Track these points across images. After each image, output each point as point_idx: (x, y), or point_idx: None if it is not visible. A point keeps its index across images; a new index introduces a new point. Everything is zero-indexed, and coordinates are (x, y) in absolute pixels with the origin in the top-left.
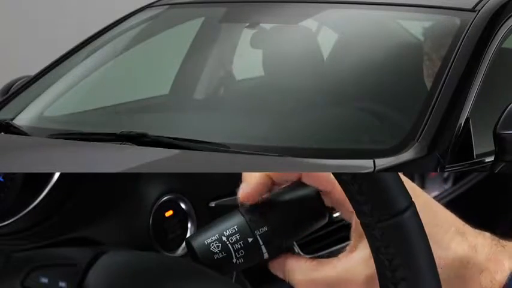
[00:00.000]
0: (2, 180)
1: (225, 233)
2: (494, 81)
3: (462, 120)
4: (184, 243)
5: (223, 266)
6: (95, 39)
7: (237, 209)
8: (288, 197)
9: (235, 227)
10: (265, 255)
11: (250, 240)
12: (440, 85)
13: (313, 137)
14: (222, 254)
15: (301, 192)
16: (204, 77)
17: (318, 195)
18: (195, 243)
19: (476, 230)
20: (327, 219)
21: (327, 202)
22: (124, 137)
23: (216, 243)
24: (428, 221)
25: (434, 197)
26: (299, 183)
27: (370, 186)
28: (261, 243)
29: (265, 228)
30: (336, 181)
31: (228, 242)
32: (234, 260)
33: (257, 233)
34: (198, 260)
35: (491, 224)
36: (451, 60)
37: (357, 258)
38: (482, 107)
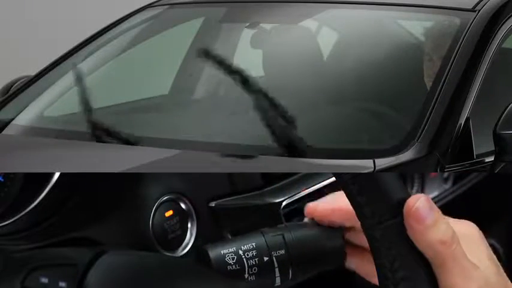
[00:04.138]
0: (2, 180)
1: (242, 247)
2: (494, 81)
3: (462, 120)
4: (184, 243)
5: (235, 279)
6: (95, 39)
7: (259, 230)
8: (313, 230)
9: (253, 243)
10: (277, 280)
11: (265, 259)
12: (440, 85)
13: (313, 137)
14: (236, 266)
15: (325, 228)
16: (204, 77)
17: (342, 236)
18: (211, 252)
19: None
20: (345, 262)
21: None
22: None
23: (231, 255)
24: None
25: (434, 197)
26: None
27: (370, 186)
28: (276, 265)
29: (282, 251)
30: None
31: (243, 256)
32: (246, 276)
33: (274, 254)
34: (211, 268)
35: (491, 224)
36: (451, 60)
37: None
38: (482, 107)
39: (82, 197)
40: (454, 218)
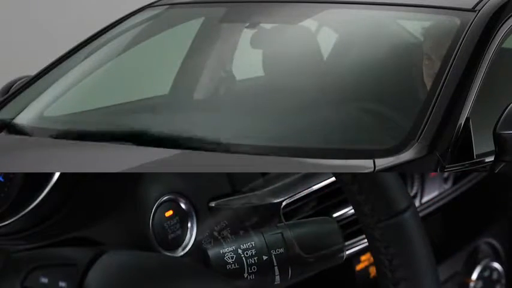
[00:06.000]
0: (2, 180)
1: (241, 246)
2: (494, 81)
3: (462, 120)
4: (184, 243)
5: (234, 278)
6: (95, 39)
7: (259, 230)
8: (311, 228)
9: (252, 242)
10: (277, 279)
11: (265, 258)
12: (440, 85)
13: (313, 137)
14: (235, 265)
15: (324, 227)
16: (204, 77)
17: (341, 234)
18: (211, 251)
19: None
20: (344, 259)
21: None
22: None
23: (230, 254)
24: None
25: (434, 197)
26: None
27: (370, 186)
28: (275, 263)
29: (282, 250)
30: None
31: (242, 255)
32: (245, 275)
33: (273, 252)
34: (210, 268)
35: (491, 224)
36: (451, 60)
37: None
38: (482, 107)
39: (82, 197)
40: (453, 217)
